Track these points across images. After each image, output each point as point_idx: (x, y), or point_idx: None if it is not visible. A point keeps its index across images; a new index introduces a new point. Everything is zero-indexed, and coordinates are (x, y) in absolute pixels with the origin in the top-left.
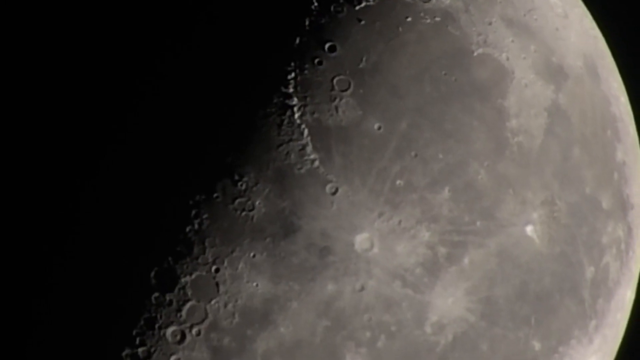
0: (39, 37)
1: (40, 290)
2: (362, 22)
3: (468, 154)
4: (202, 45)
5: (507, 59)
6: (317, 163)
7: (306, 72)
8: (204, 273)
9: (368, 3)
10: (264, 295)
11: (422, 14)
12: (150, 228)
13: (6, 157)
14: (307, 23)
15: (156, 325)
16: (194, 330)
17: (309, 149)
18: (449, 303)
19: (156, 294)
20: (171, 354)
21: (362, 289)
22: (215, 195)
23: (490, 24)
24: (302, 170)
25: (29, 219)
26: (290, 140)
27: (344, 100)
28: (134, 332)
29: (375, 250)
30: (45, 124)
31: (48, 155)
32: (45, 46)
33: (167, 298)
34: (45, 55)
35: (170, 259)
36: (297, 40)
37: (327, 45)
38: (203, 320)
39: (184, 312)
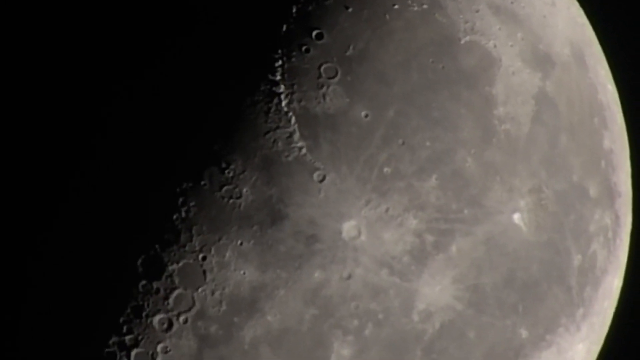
0: (26, 34)
1: (27, 279)
2: (350, 10)
3: (455, 142)
4: (189, 33)
5: (495, 46)
6: (304, 151)
7: (293, 59)
8: (191, 261)
9: None
10: (251, 283)
11: (409, 2)
12: (137, 216)
13: None
14: (294, 10)
15: (143, 313)
16: (181, 318)
17: (296, 136)
18: (436, 291)
19: (143, 282)
20: (158, 342)
21: (350, 277)
22: (202, 182)
23: (477, 11)
24: (290, 158)
25: (16, 207)
26: (278, 127)
27: (331, 88)
28: (121, 320)
29: (363, 238)
30: (33, 112)
31: (34, 143)
32: (34, 40)
33: (154, 286)
34: (36, 48)
35: (157, 246)
36: (284, 28)
37: (314, 33)
38: (190, 308)
39: (171, 300)
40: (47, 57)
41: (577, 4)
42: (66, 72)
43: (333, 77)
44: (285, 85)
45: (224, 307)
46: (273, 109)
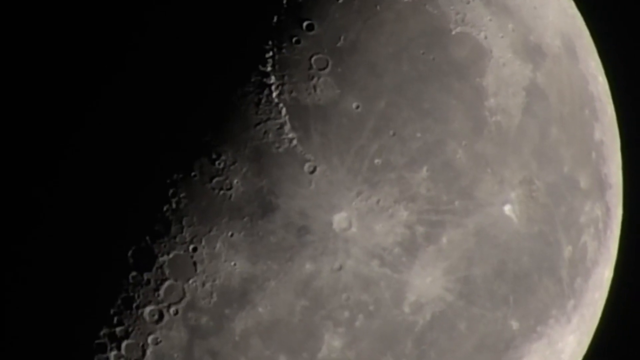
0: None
1: (17, 271)
2: (340, 1)
3: (446, 133)
4: (180, 23)
5: (485, 37)
6: (295, 142)
7: (284, 50)
8: (181, 252)
9: None
10: (242, 274)
11: None
12: (128, 207)
13: None
14: (285, 1)
15: (134, 305)
16: (172, 310)
17: (287, 127)
18: (427, 282)
19: (134, 273)
20: (149, 334)
21: (340, 268)
22: (192, 174)
23: (468, 2)
24: (280, 149)
25: (5, 199)
26: (268, 119)
27: (322, 79)
28: (112, 312)
29: (354, 229)
30: (23, 103)
31: (25, 135)
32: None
33: (145, 277)
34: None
35: (147, 238)
36: (275, 19)
37: (305, 24)
38: (181, 300)
39: (161, 292)
40: (37, 48)
41: None
42: (56, 64)
43: (324, 69)
44: (275, 77)
45: (214, 299)
46: (264, 100)
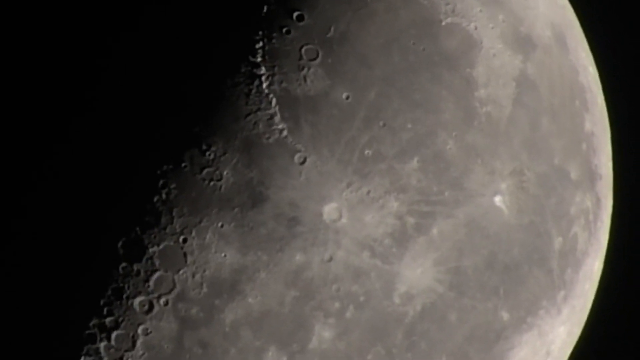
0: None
1: (8, 261)
2: None
3: (437, 124)
4: (170, 14)
5: (476, 28)
6: (285, 133)
7: (274, 41)
8: (171, 243)
9: None
10: (232, 265)
11: None
12: (118, 198)
13: None
14: None
15: (124, 296)
16: (162, 301)
17: (277, 118)
18: (417, 273)
19: (124, 264)
20: (139, 324)
21: (331, 259)
22: (183, 165)
23: None
24: (270, 140)
25: None
26: (258, 109)
27: (312, 70)
28: (102, 302)
29: (344, 220)
30: (13, 93)
31: (14, 124)
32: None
33: (135, 268)
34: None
35: (137, 229)
36: (265, 9)
37: (295, 14)
38: (171, 291)
39: (151, 282)
40: (22, 38)
41: None
42: (45, 56)
43: (314, 59)
44: (266, 67)
45: (204, 290)
46: (254, 91)
